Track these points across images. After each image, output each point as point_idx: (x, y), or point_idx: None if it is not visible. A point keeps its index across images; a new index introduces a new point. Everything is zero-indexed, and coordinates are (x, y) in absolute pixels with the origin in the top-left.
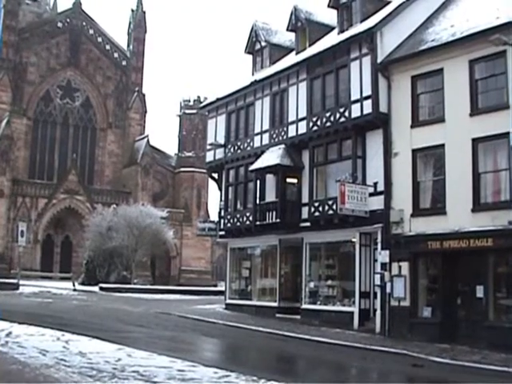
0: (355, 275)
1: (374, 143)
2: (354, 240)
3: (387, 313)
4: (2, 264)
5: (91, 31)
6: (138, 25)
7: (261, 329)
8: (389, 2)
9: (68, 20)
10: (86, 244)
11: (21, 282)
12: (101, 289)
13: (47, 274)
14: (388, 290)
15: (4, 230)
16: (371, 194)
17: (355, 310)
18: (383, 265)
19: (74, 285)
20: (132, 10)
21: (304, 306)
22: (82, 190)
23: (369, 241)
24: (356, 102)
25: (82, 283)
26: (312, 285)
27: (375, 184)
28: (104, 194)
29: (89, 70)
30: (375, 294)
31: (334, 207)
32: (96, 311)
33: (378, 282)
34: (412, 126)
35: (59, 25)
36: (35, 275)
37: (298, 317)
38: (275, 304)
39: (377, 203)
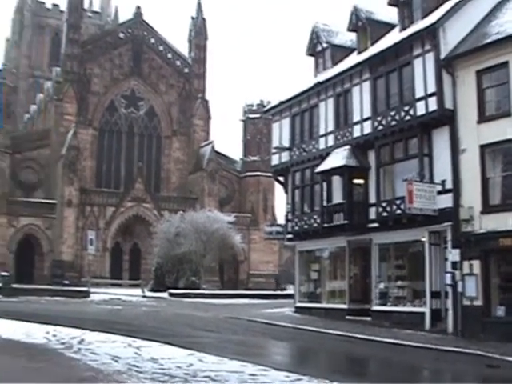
0: (425, 275)
1: (441, 140)
2: (423, 239)
3: (459, 312)
4: (72, 272)
5: (153, 40)
6: (199, 32)
7: (331, 331)
8: None
9: (129, 30)
10: (154, 251)
11: (91, 290)
12: (170, 295)
13: (117, 281)
14: (459, 289)
15: (73, 239)
16: (439, 192)
17: (426, 310)
18: (454, 264)
19: (143, 291)
20: (192, 18)
21: (374, 308)
22: (148, 198)
23: (438, 240)
24: (421, 99)
25: (152, 290)
26: (382, 286)
27: (443, 182)
28: (171, 201)
29: (152, 78)
30: (446, 293)
31: (402, 207)
32: (166, 317)
33: (448, 281)
34: (479, 122)
35: (121, 35)
36: (105, 283)
37: (369, 318)
38: (345, 306)
39: (445, 201)
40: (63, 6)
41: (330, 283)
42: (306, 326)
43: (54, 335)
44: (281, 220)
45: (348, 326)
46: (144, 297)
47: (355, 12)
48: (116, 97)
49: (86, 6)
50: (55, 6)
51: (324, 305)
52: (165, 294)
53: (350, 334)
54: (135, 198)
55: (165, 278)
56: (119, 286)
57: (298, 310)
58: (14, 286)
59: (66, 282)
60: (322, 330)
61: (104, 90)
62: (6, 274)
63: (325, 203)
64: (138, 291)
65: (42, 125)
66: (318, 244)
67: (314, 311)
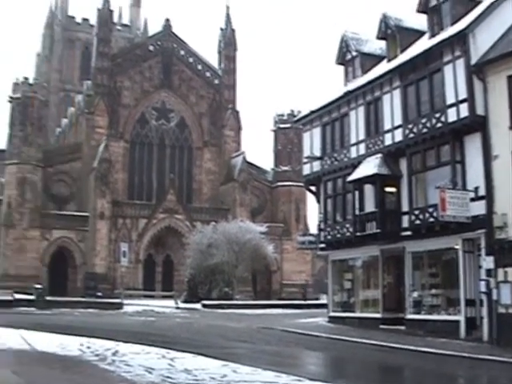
0: (459, 283)
1: (473, 147)
2: (456, 247)
3: (494, 320)
4: (105, 284)
5: (182, 52)
6: (228, 43)
7: (365, 341)
8: (479, 2)
9: (159, 43)
10: (186, 262)
11: (124, 302)
12: (203, 306)
13: (150, 292)
14: (494, 296)
15: (106, 251)
16: (472, 199)
17: (461, 318)
18: (488, 271)
19: (176, 303)
20: (221, 29)
21: (408, 316)
22: (181, 209)
23: (472, 247)
24: (452, 106)
25: (185, 301)
26: (415, 294)
27: (476, 189)
28: (203, 212)
29: (182, 90)
30: (481, 301)
31: (435, 214)
32: (199, 328)
33: (483, 289)
34: (511, 127)
35: (150, 48)
36: (138, 294)
37: (403, 327)
38: (379, 315)
39: (478, 208)
40: (93, 20)
41: (364, 292)
42: (339, 335)
43: (88, 347)
44: (313, 229)
45: (382, 336)
46: (177, 308)
47: (384, 20)
48: (147, 109)
49: (115, 19)
50: (85, 20)
51: (357, 314)
52: (198, 305)
53: (384, 344)
54: (167, 210)
55: (198, 289)
56: (152, 297)
57: (332, 319)
58: (48, 298)
59: (99, 294)
60: (356, 340)
61: (134, 102)
62: (39, 286)
63: (357, 212)
64: (171, 302)
65: (74, 138)
66: (351, 253)
67: (348, 321)
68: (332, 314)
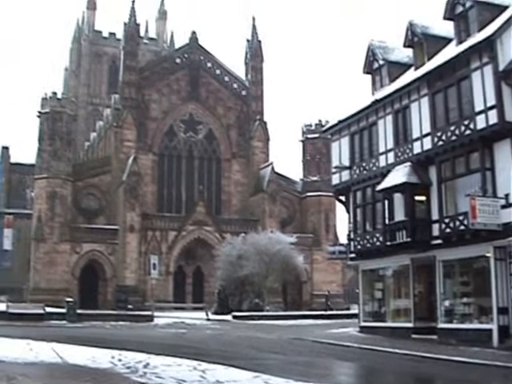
0: (491, 291)
1: (503, 154)
2: (488, 255)
3: None
4: (135, 297)
5: (209, 64)
6: (255, 54)
7: (397, 350)
8: (506, 8)
9: (186, 55)
10: (217, 273)
11: (155, 314)
12: (234, 317)
13: (180, 304)
14: None
15: (136, 264)
16: (503, 207)
17: (494, 327)
18: None
19: (207, 314)
20: (247, 40)
21: (440, 326)
22: (210, 221)
23: (504, 255)
24: (480, 112)
25: (215, 312)
26: (447, 303)
27: (506, 196)
28: (232, 224)
29: (209, 102)
30: None
31: (466, 222)
32: (230, 340)
33: None
34: None
35: (177, 61)
36: (168, 306)
37: (435, 337)
38: (410, 324)
39: (509, 215)
40: (120, 34)
41: (395, 302)
42: (371, 345)
43: (120, 360)
44: (343, 239)
45: (414, 345)
46: (208, 320)
47: (411, 28)
48: (175, 122)
49: (141, 33)
50: (112, 34)
51: (389, 324)
52: (228, 317)
53: (416, 353)
54: (197, 222)
55: (228, 300)
56: (183, 309)
57: (363, 329)
58: (79, 311)
59: (130, 306)
60: (388, 350)
61: (162, 115)
62: (70, 299)
63: (387, 221)
64: (201, 314)
65: (103, 152)
66: (381, 262)
67: (379, 330)
68: (363, 323)
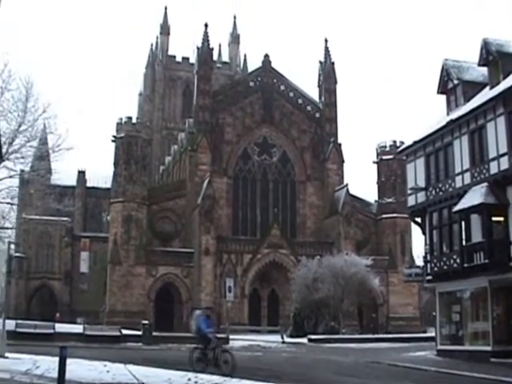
0: None
1: None
2: None
3: None
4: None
5: (282, 87)
6: (328, 76)
7: (475, 375)
8: None
9: (259, 78)
10: (292, 296)
11: (230, 337)
12: (309, 340)
13: (255, 327)
14: None
15: (211, 287)
16: None
17: None
18: None
19: (282, 337)
20: (320, 62)
21: None
22: (285, 244)
23: None
24: None
25: (290, 335)
26: None
27: None
28: (307, 246)
29: (283, 125)
30: None
31: None
32: (306, 363)
33: None
34: None
35: (251, 84)
36: (243, 329)
37: None
38: (489, 348)
39: None
40: (193, 59)
41: (472, 324)
42: (448, 369)
43: (196, 382)
44: (419, 261)
45: (493, 369)
46: (283, 343)
47: (485, 46)
48: (249, 145)
49: (215, 57)
50: (185, 58)
51: (467, 347)
52: (304, 340)
53: (495, 378)
54: (271, 245)
55: (304, 323)
56: (258, 332)
57: (440, 352)
58: (154, 333)
59: None
60: (466, 374)
61: (237, 138)
62: (146, 322)
63: (464, 242)
64: (276, 337)
65: (177, 175)
66: (459, 285)
67: (457, 354)
68: (440, 347)
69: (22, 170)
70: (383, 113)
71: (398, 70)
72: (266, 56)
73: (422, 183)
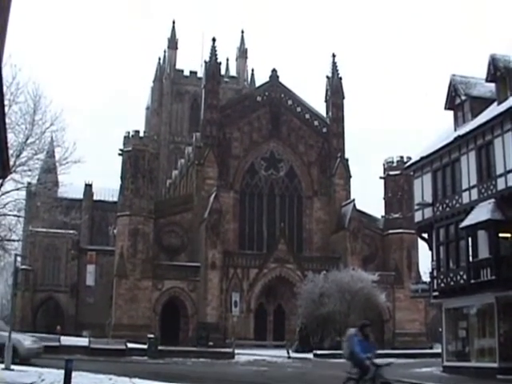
0: None
1: None
2: None
3: None
4: (216, 334)
5: (290, 102)
6: (335, 91)
7: None
8: None
9: (266, 93)
10: (298, 311)
11: (236, 351)
12: (315, 355)
13: (261, 342)
14: None
15: (217, 301)
16: None
17: None
18: None
19: (288, 352)
20: (327, 77)
21: None
22: (291, 259)
23: None
24: None
25: (296, 350)
26: None
27: None
28: (314, 261)
29: (291, 140)
30: None
31: None
32: (312, 378)
33: None
34: None
35: (258, 99)
36: (249, 344)
37: None
38: (495, 365)
39: None
40: (201, 73)
41: (479, 341)
42: None
43: None
44: (425, 277)
45: None
46: (289, 358)
47: (493, 62)
48: (256, 159)
49: (222, 71)
50: (193, 73)
51: (473, 363)
52: (310, 355)
53: None
54: (278, 259)
55: (309, 338)
56: (263, 346)
57: (446, 369)
58: (160, 347)
59: (211, 343)
60: None
61: (244, 153)
62: (152, 336)
63: (471, 259)
64: (282, 352)
65: (184, 189)
66: (465, 301)
67: (463, 370)
68: (446, 363)
69: (29, 183)
70: (390, 128)
71: (406, 84)
72: (274, 71)
73: (428, 199)
